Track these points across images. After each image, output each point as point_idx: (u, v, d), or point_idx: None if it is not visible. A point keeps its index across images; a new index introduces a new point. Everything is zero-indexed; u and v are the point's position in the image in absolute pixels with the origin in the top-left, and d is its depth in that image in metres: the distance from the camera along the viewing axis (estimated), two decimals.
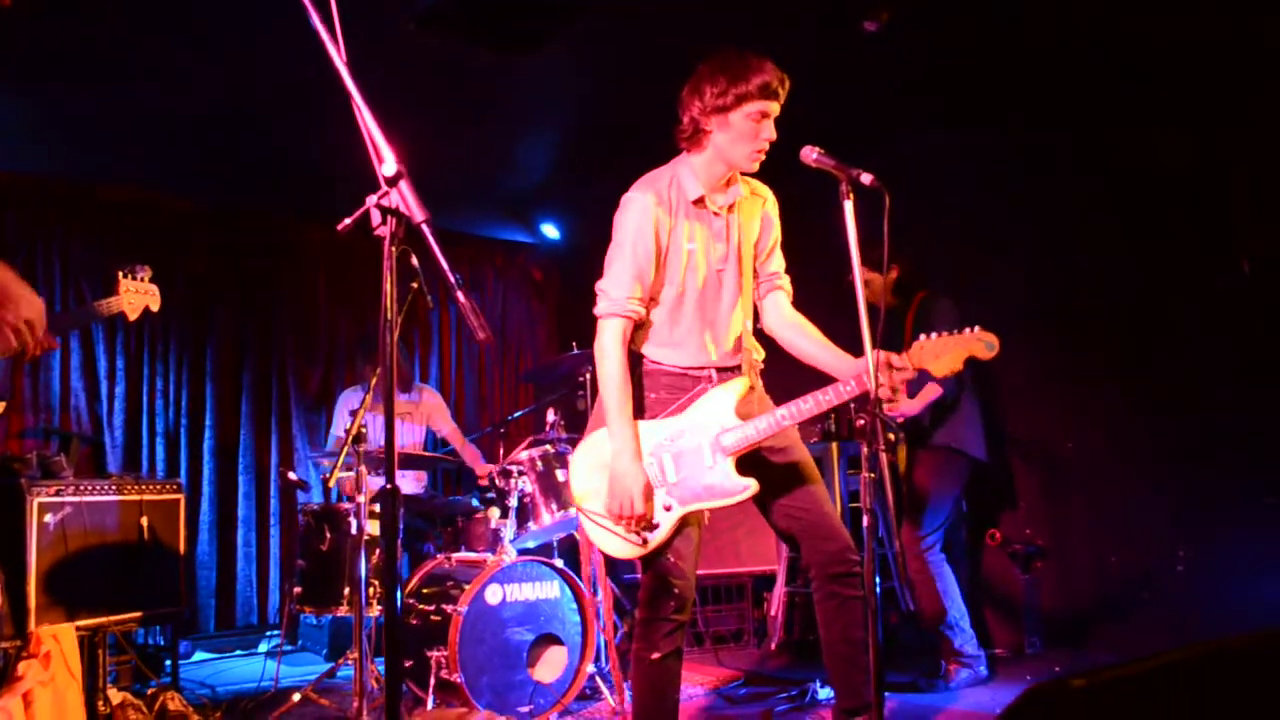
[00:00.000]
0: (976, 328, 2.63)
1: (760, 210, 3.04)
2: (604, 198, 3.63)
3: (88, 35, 4.74)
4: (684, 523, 2.83)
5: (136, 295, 3.24)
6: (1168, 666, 1.27)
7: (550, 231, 7.96)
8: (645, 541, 2.79)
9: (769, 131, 2.79)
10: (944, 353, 2.64)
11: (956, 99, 5.34)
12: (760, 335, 3.08)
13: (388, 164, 1.71)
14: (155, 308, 3.31)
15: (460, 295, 1.71)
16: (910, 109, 5.50)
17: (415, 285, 4.12)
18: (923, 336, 2.69)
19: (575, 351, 4.86)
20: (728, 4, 4.51)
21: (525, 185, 7.26)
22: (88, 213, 6.18)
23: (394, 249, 1.70)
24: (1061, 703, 1.29)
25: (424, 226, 1.70)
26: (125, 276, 3.24)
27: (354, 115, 1.78)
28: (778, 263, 3.09)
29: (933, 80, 5.17)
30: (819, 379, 2.86)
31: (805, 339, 3.00)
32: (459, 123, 6.03)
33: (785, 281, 3.10)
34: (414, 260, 3.54)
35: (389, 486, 1.65)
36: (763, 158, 2.82)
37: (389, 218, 1.71)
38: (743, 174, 2.97)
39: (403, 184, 1.71)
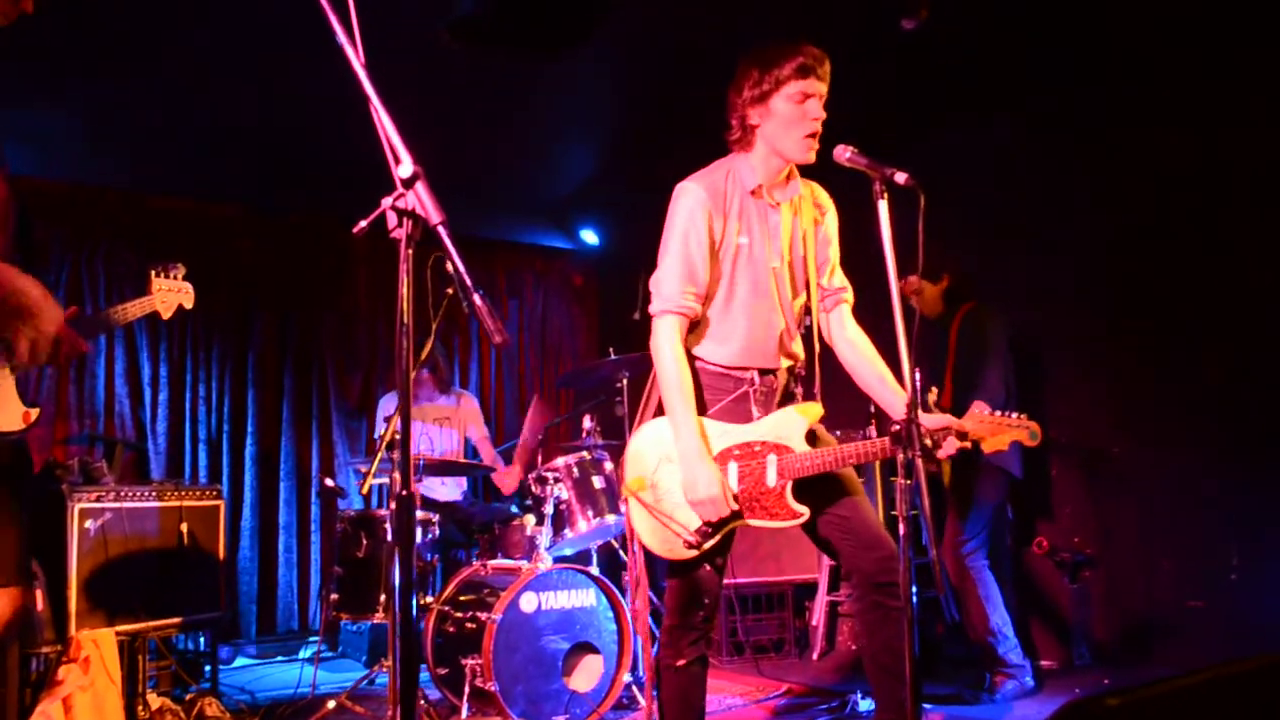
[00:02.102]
0: (1024, 416, 2.66)
1: (818, 217, 2.96)
2: (642, 202, 3.62)
3: (134, 48, 4.81)
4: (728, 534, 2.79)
5: (170, 294, 3.22)
6: (1206, 684, 1.21)
7: (589, 237, 7.96)
8: (697, 545, 2.73)
9: (816, 111, 2.72)
10: (996, 432, 2.66)
11: (998, 88, 5.26)
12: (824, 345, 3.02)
13: (404, 165, 1.68)
14: (189, 305, 3.29)
15: (476, 298, 1.68)
16: (945, 101, 5.43)
17: (450, 290, 4.11)
18: (979, 410, 2.70)
19: (613, 357, 4.81)
20: (762, 7, 4.46)
21: (563, 191, 7.27)
22: (134, 221, 6.24)
23: (410, 251, 1.67)
24: None
25: (440, 229, 1.67)
26: (158, 275, 3.23)
27: (372, 118, 1.76)
28: (840, 276, 3.02)
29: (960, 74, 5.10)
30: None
31: (865, 365, 2.92)
32: (497, 130, 6.04)
33: (849, 295, 3.02)
34: (449, 266, 3.52)
35: (404, 493, 1.62)
36: (816, 145, 2.74)
37: (405, 220, 1.68)
38: (803, 174, 2.90)
39: (419, 185, 1.68)
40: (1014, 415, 2.66)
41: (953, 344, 4.65)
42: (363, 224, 1.75)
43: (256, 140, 6.08)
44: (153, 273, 3.21)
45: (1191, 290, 4.69)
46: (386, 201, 1.69)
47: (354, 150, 5.95)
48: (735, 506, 2.71)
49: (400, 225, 1.68)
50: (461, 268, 1.67)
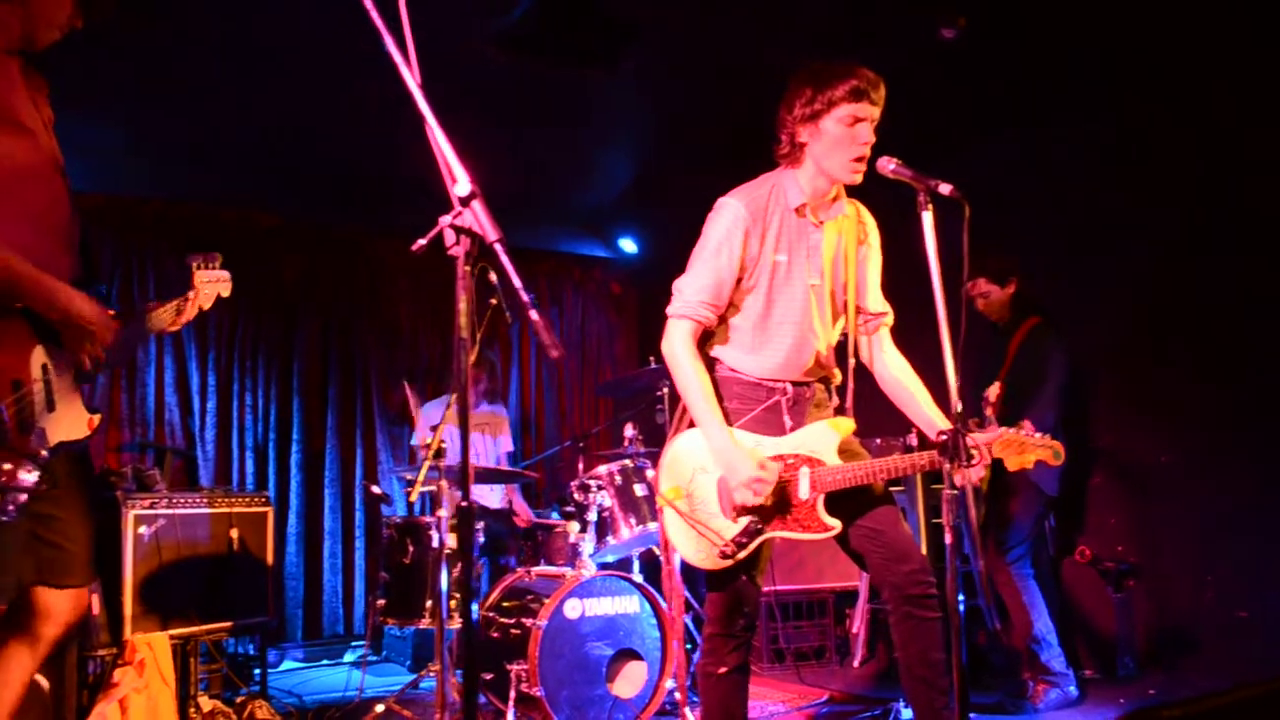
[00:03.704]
0: (1047, 436, 2.70)
1: (860, 236, 2.98)
2: (681, 211, 3.66)
3: (179, 62, 4.91)
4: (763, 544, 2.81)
5: (211, 284, 3.20)
6: (1266, 695, 1.22)
7: (628, 246, 8.00)
8: (731, 555, 2.76)
9: (865, 135, 2.74)
10: (1024, 452, 2.69)
11: (1042, 97, 5.24)
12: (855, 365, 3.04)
13: (461, 184, 1.73)
14: (226, 293, 3.19)
15: (533, 313, 1.72)
16: (988, 112, 5.41)
17: (494, 301, 4.15)
18: (1007, 431, 2.71)
19: (653, 366, 4.85)
20: (802, 18, 4.48)
21: (602, 200, 7.32)
22: (179, 231, 6.35)
23: (469, 267, 1.71)
24: None
25: (497, 245, 1.71)
26: (199, 267, 3.17)
27: (426, 136, 1.80)
28: (880, 299, 3.04)
29: (1013, 83, 5.08)
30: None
31: (902, 388, 2.96)
32: (536, 140, 6.10)
33: (889, 319, 3.05)
34: (492, 277, 3.56)
35: (465, 504, 1.66)
36: (863, 167, 2.77)
37: (462, 237, 1.72)
38: (849, 194, 2.92)
39: (476, 204, 1.72)
40: (1038, 434, 2.70)
41: (1011, 355, 4.64)
42: (422, 241, 1.79)
43: (300, 153, 6.18)
44: (194, 265, 3.12)
45: (1243, 299, 4.63)
46: (445, 219, 1.74)
47: (395, 164, 6.08)
48: (774, 481, 2.71)
49: (458, 242, 1.72)
50: (518, 284, 1.71)
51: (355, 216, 6.96)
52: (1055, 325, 4.67)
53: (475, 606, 4.41)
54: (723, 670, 2.83)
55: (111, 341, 2.53)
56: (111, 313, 2.56)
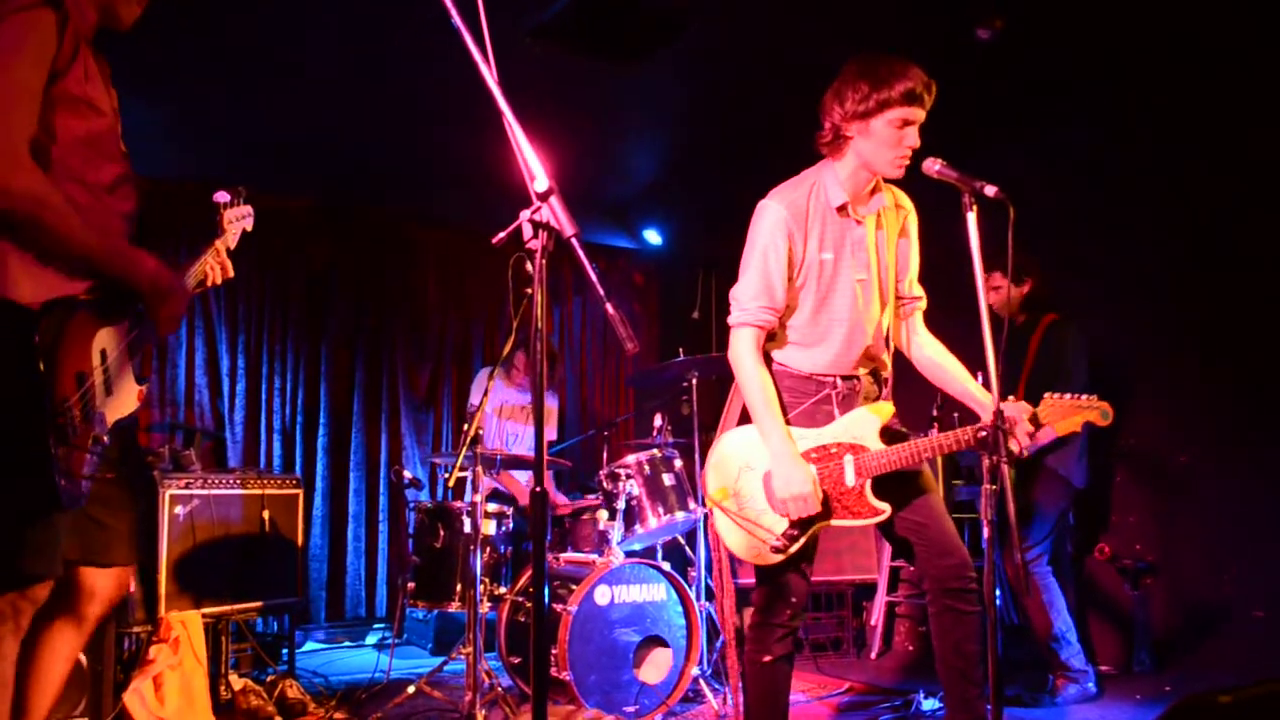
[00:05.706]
0: (1095, 396, 2.71)
1: (902, 224, 3.00)
2: (706, 203, 3.70)
3: (216, 49, 4.96)
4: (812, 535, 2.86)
5: (236, 222, 3.08)
6: None
7: (652, 237, 8.02)
8: (784, 549, 2.81)
9: (912, 139, 2.74)
10: (1069, 415, 2.72)
11: (1073, 97, 5.27)
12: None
13: (539, 180, 1.78)
14: (249, 228, 3.05)
15: (609, 307, 1.78)
16: (1020, 110, 5.45)
17: (528, 290, 4.20)
18: (1051, 395, 2.75)
19: (681, 357, 4.89)
20: (833, 14, 4.51)
21: (628, 191, 7.35)
22: (210, 213, 6.39)
23: (544, 261, 1.77)
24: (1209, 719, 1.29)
25: (573, 240, 1.76)
26: (229, 205, 2.97)
27: (505, 131, 1.86)
28: (916, 283, 3.07)
29: (1042, 79, 5.12)
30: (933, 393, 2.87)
31: (942, 371, 3.00)
32: (563, 129, 6.13)
33: (923, 303, 3.08)
34: (528, 266, 3.61)
35: (538, 490, 1.72)
36: (906, 163, 2.78)
37: (540, 231, 1.78)
38: (887, 180, 2.95)
39: (553, 199, 1.78)
40: (1084, 396, 2.71)
41: (1032, 353, 4.67)
42: (501, 235, 1.85)
43: (332, 138, 6.22)
44: (222, 204, 2.94)
45: (1265, 301, 4.68)
46: (524, 214, 1.79)
47: (426, 150, 6.13)
48: (819, 507, 2.78)
49: (535, 236, 1.78)
50: (594, 277, 1.77)
51: (385, 201, 7.01)
52: (1073, 321, 4.70)
53: (503, 590, 4.49)
54: (768, 659, 2.88)
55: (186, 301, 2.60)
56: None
